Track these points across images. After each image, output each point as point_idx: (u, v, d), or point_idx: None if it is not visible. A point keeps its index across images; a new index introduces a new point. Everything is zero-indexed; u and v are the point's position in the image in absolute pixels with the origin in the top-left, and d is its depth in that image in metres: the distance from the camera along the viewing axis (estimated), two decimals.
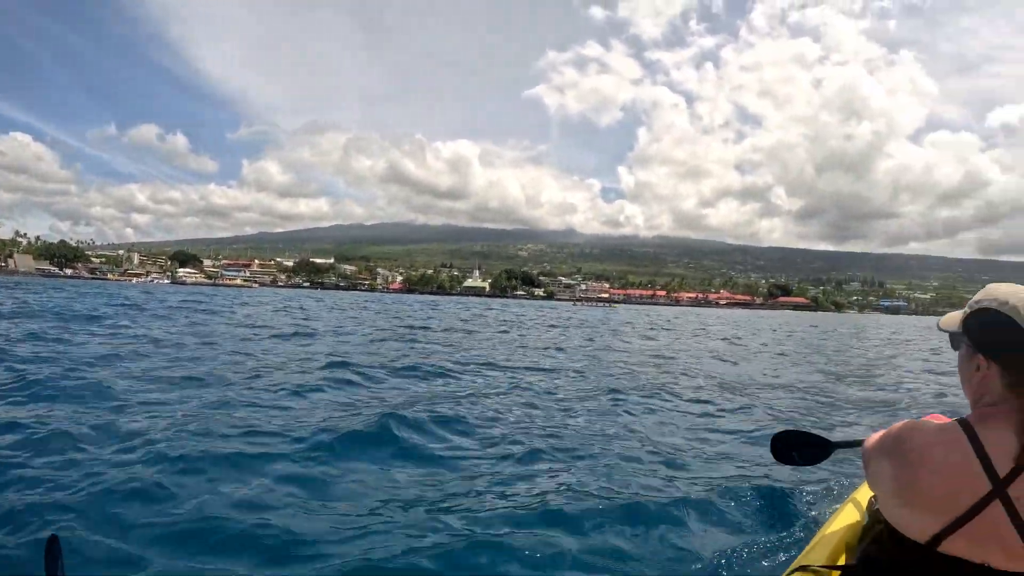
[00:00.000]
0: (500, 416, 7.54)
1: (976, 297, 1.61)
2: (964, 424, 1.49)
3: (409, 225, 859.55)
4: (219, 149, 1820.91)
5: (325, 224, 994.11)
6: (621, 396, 9.33)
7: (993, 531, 1.39)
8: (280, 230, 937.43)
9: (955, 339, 1.66)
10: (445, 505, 4.44)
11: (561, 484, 4.96)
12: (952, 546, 1.43)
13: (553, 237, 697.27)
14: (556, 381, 10.98)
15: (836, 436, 2.85)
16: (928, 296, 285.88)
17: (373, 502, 4.44)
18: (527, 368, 12.74)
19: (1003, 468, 1.39)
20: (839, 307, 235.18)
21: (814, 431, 3.37)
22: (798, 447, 3.29)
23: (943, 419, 1.63)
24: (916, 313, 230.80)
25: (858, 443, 3.02)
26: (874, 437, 1.81)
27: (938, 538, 1.44)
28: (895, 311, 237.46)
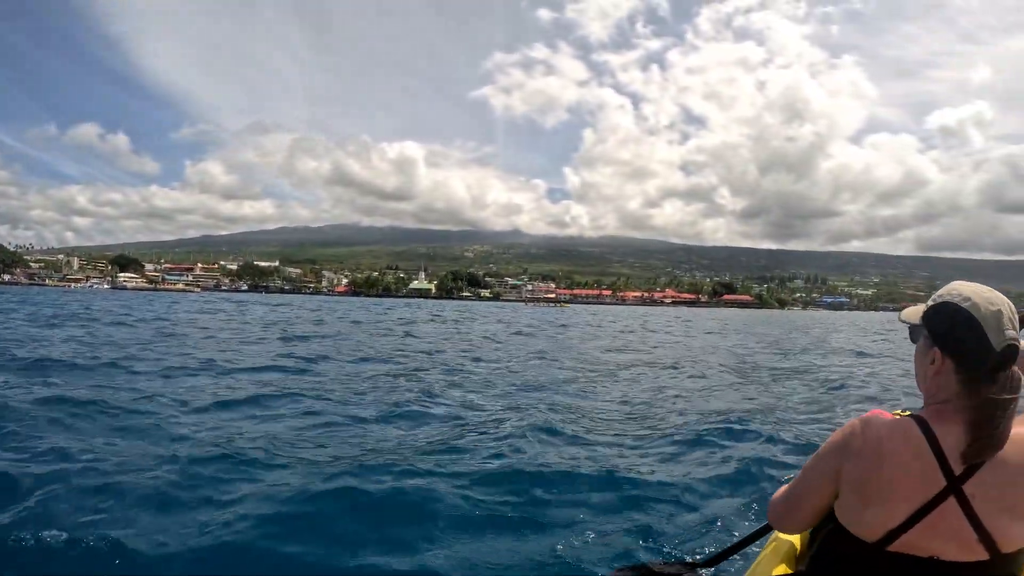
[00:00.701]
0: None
1: (939, 292, 1.62)
2: (919, 420, 1.50)
3: (355, 227, 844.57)
4: (161, 149, 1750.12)
5: (270, 226, 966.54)
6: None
7: (946, 526, 1.42)
8: (224, 233, 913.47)
9: (914, 332, 1.67)
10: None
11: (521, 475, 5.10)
12: (903, 542, 1.45)
13: (499, 238, 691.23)
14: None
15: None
16: (870, 292, 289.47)
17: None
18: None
19: (958, 465, 1.41)
20: (783, 304, 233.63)
21: None
22: None
23: (886, 414, 1.61)
24: (858, 309, 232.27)
25: (733, 549, 2.47)
26: (782, 490, 1.80)
27: (891, 535, 1.46)
28: (838, 307, 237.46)
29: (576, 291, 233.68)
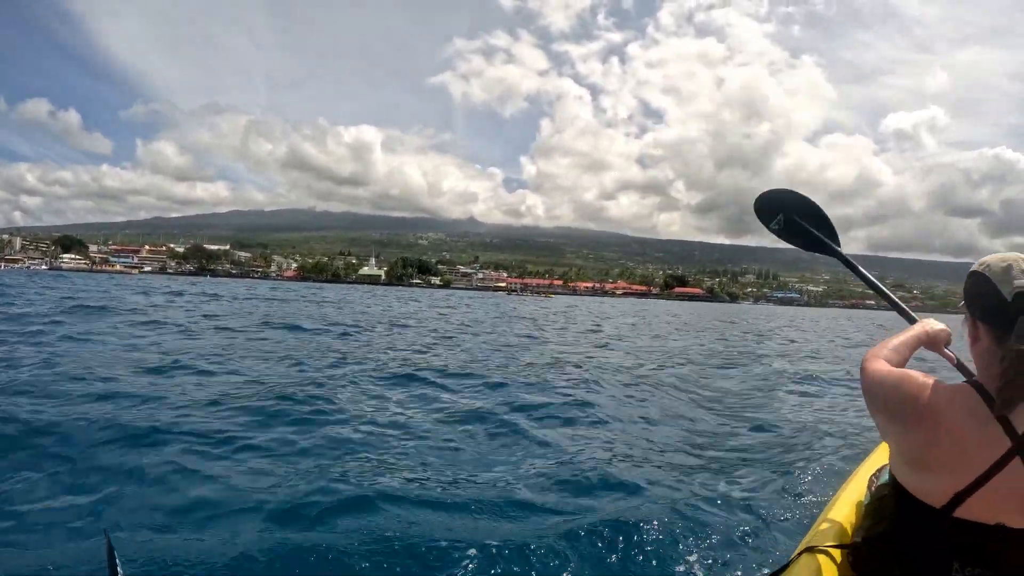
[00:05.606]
0: None
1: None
2: (976, 385, 1.49)
3: (309, 212, 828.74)
4: (113, 127, 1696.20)
5: (223, 209, 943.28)
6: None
7: (1011, 489, 1.38)
8: (176, 215, 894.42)
9: (965, 320, 1.66)
10: None
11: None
12: (969, 507, 1.43)
13: (454, 226, 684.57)
14: None
15: None
16: (820, 288, 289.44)
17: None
18: None
19: (1021, 426, 1.39)
20: (734, 297, 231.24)
21: None
22: None
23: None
24: (808, 304, 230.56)
25: None
26: (879, 372, 1.64)
27: (957, 499, 1.43)
28: (788, 302, 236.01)
29: (527, 280, 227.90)
